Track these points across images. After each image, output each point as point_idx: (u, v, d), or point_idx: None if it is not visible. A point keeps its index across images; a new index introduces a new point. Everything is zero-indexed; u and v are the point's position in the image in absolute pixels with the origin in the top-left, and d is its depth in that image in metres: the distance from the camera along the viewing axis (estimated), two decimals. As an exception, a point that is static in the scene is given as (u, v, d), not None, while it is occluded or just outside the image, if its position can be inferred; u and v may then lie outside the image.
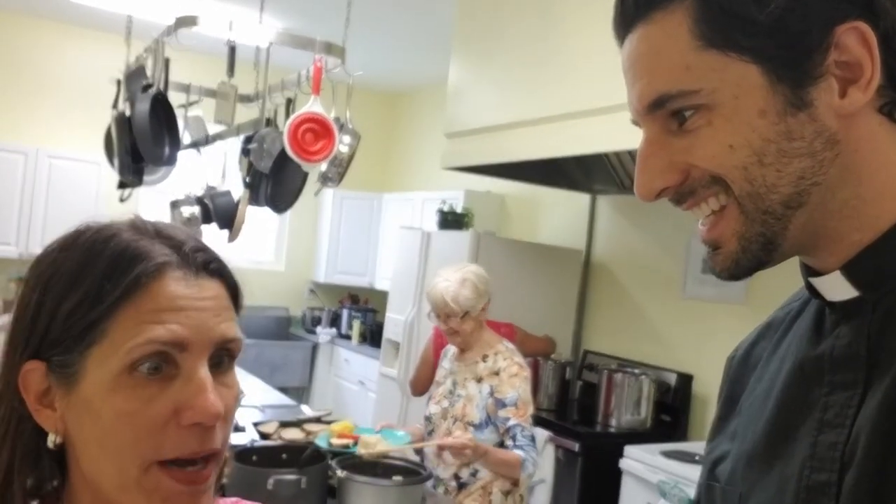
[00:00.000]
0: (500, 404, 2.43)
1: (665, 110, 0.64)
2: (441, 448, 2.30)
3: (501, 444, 2.43)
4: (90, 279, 0.66)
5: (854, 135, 0.62)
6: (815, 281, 0.69)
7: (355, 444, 2.34)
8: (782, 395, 0.70)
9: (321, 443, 2.31)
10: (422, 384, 3.26)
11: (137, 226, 0.71)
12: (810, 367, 0.68)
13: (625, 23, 0.67)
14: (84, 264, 0.67)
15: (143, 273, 0.65)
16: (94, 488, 0.68)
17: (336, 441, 2.34)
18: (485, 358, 2.55)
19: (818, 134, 0.61)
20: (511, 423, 2.40)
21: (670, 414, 3.74)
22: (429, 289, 2.57)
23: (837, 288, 0.66)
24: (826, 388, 0.65)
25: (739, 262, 0.65)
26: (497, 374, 2.48)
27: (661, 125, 0.65)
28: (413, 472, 2.25)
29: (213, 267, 0.70)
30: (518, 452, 2.36)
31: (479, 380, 2.52)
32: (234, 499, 0.84)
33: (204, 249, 0.71)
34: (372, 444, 2.31)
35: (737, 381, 0.80)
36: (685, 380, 3.74)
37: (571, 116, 3.08)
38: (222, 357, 0.69)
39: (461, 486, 2.50)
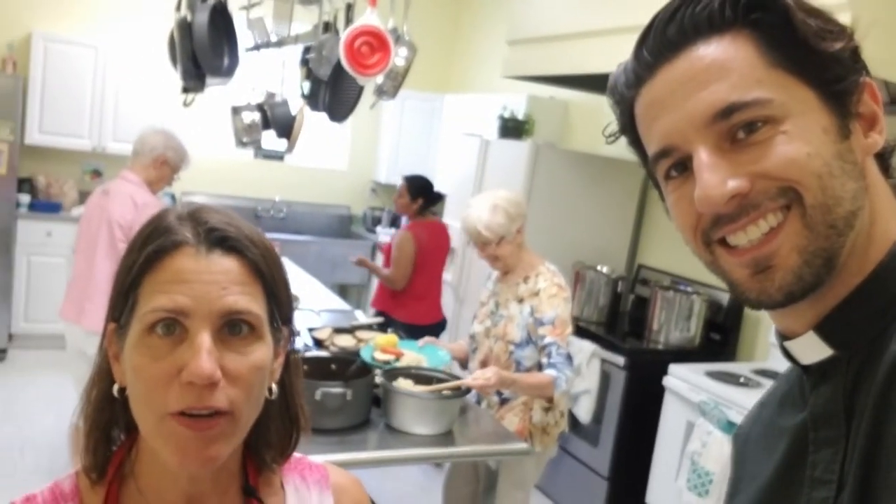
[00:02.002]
0: (539, 323, 2.49)
1: (729, 122, 0.64)
2: (468, 386, 2.35)
3: (540, 365, 2.50)
4: (132, 253, 0.77)
5: (869, 175, 0.67)
6: (790, 344, 0.70)
7: (397, 359, 2.43)
8: (777, 462, 0.73)
9: (365, 356, 2.42)
10: (405, 280, 4.09)
11: (181, 211, 0.80)
12: (797, 430, 0.70)
13: (671, 44, 0.67)
14: (134, 242, 0.79)
15: (160, 248, 0.75)
16: None
17: (379, 356, 2.44)
18: (526, 279, 2.59)
19: (856, 164, 0.65)
20: (547, 340, 2.46)
21: (720, 333, 3.75)
22: (462, 220, 2.60)
23: (812, 349, 0.68)
24: (812, 447, 0.68)
25: (803, 278, 0.64)
26: (537, 294, 2.53)
27: (715, 140, 0.65)
28: (454, 386, 2.35)
29: (227, 245, 0.77)
30: (550, 372, 2.42)
31: (521, 300, 2.57)
32: (299, 455, 0.93)
33: (220, 229, 0.77)
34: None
35: (740, 462, 0.82)
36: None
37: (641, 28, 2.96)
38: (239, 326, 0.75)
39: (503, 401, 2.60)
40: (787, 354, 0.72)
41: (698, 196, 0.65)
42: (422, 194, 4.17)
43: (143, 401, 0.74)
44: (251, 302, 0.76)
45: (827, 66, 0.64)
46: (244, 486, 0.84)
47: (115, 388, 0.79)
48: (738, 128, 0.64)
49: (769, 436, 0.77)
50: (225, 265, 0.76)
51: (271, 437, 0.86)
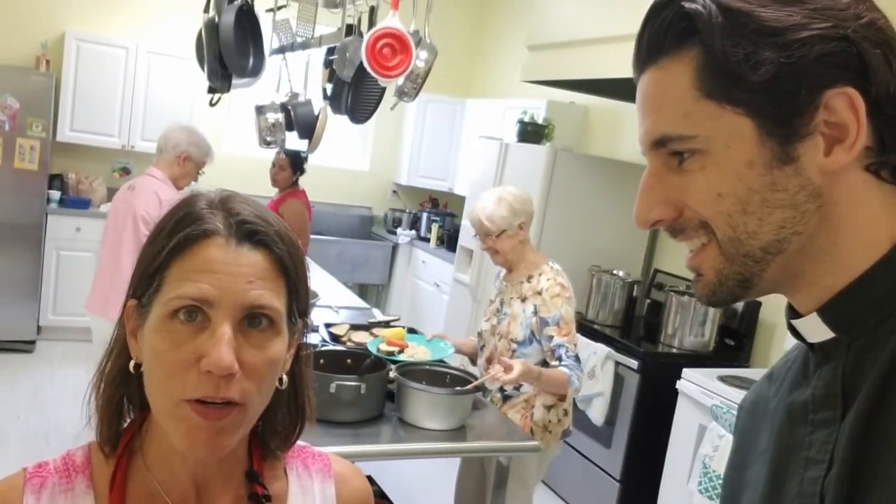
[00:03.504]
0: (544, 323, 2.52)
1: (666, 149, 0.68)
2: (494, 379, 2.39)
3: (544, 362, 2.54)
4: (161, 236, 0.78)
5: (837, 190, 0.66)
6: (797, 322, 0.73)
7: (401, 351, 2.49)
8: (778, 438, 0.75)
9: (371, 348, 2.48)
10: (308, 242, 4.76)
11: (212, 198, 0.80)
12: (798, 409, 0.73)
13: (639, 64, 0.71)
14: (163, 224, 0.79)
15: (190, 236, 0.76)
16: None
17: (384, 347, 2.50)
18: (529, 278, 2.62)
19: (802, 187, 0.65)
20: (556, 342, 2.48)
21: (735, 338, 3.76)
22: (470, 210, 2.64)
23: (816, 329, 0.70)
24: (810, 427, 0.70)
25: (716, 293, 0.70)
26: (540, 293, 2.56)
27: (662, 161, 0.69)
28: (466, 382, 2.40)
29: (257, 239, 0.77)
30: (564, 370, 2.46)
31: (524, 299, 2.60)
32: (303, 444, 0.95)
33: (252, 223, 0.78)
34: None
35: (745, 433, 0.85)
36: (754, 305, 3.73)
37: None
38: (259, 319, 0.76)
39: (506, 398, 2.64)
40: (794, 331, 0.74)
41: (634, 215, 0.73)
42: (299, 167, 4.77)
43: (159, 384, 0.75)
44: (274, 297, 0.77)
45: (760, 94, 0.63)
46: (248, 472, 0.86)
47: (132, 363, 0.80)
48: (673, 155, 0.68)
49: (776, 410, 0.79)
50: (252, 259, 0.76)
51: (278, 426, 0.88)
